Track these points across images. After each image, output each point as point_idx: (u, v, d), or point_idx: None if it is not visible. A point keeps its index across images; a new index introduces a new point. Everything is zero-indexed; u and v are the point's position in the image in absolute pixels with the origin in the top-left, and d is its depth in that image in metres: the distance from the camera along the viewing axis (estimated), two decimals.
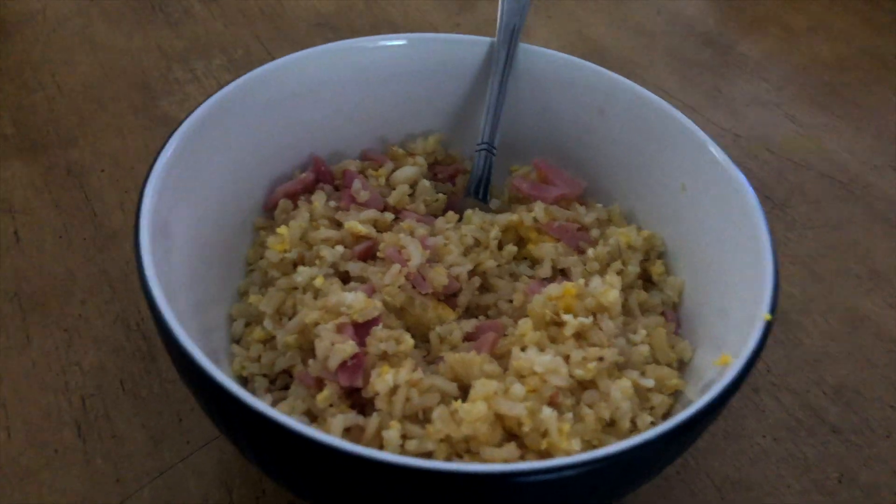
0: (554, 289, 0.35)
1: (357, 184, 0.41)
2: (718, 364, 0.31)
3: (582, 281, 0.35)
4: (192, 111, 0.37)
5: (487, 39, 0.44)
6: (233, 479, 0.38)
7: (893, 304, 0.48)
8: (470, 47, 0.44)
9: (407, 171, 0.43)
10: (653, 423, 0.32)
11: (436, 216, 0.42)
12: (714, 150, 0.37)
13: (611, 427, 0.32)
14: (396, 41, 0.43)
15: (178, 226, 0.34)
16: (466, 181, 0.45)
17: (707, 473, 0.39)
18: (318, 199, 0.40)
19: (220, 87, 0.61)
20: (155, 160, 0.34)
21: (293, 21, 0.69)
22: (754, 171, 0.58)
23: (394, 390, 0.31)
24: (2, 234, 0.48)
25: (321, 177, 0.42)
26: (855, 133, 0.62)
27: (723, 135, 0.60)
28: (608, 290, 0.34)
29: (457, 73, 0.45)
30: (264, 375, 0.35)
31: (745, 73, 0.68)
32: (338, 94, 0.43)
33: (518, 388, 0.30)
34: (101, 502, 0.37)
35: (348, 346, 0.32)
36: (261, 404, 0.26)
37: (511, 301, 0.37)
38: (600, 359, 0.32)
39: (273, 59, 0.64)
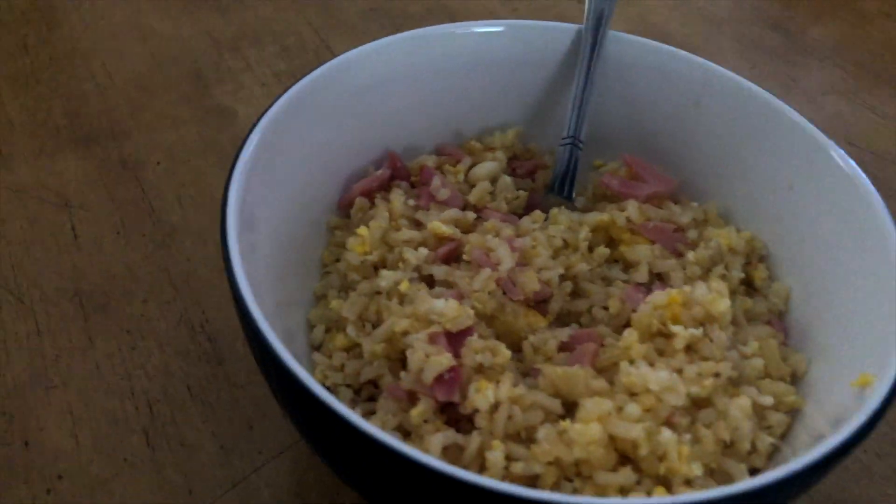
0: (659, 297, 0.32)
1: (437, 181, 0.39)
2: (857, 385, 0.28)
3: (687, 288, 0.33)
4: (271, 105, 0.35)
5: (574, 26, 0.41)
6: (308, 491, 0.36)
7: None
8: (554, 35, 0.41)
9: (487, 167, 0.40)
10: (773, 445, 0.30)
11: (517, 214, 0.40)
12: (831, 149, 0.35)
13: (728, 448, 0.29)
14: (489, 28, 0.40)
15: (261, 222, 0.33)
16: (547, 177, 0.42)
17: (808, 492, 0.37)
18: (397, 197, 0.38)
19: (274, 75, 0.60)
20: (238, 152, 0.32)
21: (345, 6, 0.66)
22: None
23: (495, 407, 0.29)
24: (60, 229, 0.46)
25: (397, 173, 0.40)
26: None
27: None
28: (717, 298, 0.32)
29: (536, 62, 0.42)
30: (348, 385, 0.33)
31: (818, 60, 0.64)
32: (413, 86, 0.40)
33: (633, 409, 0.28)
34: None
35: (444, 359, 0.30)
36: (370, 426, 0.24)
37: (606, 308, 0.35)
38: (716, 374, 0.30)
39: (326, 46, 0.63)
